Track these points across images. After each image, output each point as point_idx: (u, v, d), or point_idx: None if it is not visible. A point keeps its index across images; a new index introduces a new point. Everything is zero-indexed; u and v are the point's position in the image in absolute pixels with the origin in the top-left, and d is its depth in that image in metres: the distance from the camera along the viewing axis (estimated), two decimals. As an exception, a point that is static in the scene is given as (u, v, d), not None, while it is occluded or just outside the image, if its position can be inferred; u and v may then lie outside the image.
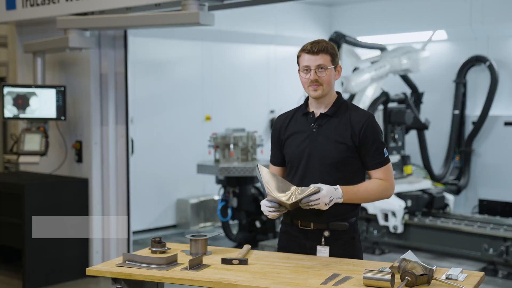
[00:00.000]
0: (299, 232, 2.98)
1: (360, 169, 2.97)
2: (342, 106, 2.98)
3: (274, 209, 2.81)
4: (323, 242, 2.92)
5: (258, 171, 2.87)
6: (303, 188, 2.81)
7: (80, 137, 6.21)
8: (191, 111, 8.61)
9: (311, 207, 2.77)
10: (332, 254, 2.91)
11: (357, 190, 2.88)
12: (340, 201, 2.83)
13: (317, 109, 2.98)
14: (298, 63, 2.97)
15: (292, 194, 2.81)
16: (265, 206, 2.84)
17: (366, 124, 2.90)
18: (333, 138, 2.91)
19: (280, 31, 9.25)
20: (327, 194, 2.77)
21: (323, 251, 2.92)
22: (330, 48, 2.92)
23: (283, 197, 2.80)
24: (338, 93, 3.03)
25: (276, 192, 2.82)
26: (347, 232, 2.94)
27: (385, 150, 2.94)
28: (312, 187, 2.78)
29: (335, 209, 2.87)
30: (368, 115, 2.95)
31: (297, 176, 2.96)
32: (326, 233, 2.92)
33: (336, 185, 2.85)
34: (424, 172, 8.02)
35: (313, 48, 2.89)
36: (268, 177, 2.87)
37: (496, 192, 8.19)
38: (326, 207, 2.79)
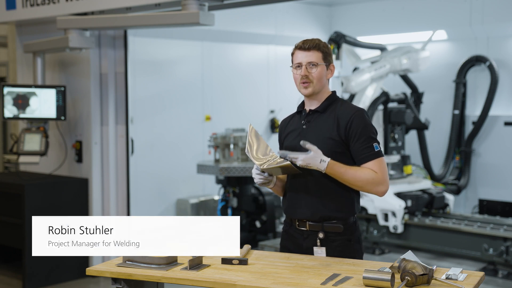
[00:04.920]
0: (297, 232, 2.99)
1: (350, 165, 2.95)
2: (334, 102, 2.98)
3: (260, 175, 2.90)
4: (318, 243, 2.93)
5: (248, 130, 2.96)
6: (279, 159, 2.84)
7: (80, 137, 6.21)
8: (191, 111, 8.61)
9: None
10: (328, 255, 2.91)
11: (345, 171, 2.83)
12: (322, 169, 2.80)
13: (310, 107, 3.01)
14: (292, 61, 2.99)
15: (268, 161, 2.87)
16: (254, 169, 2.93)
17: (352, 118, 2.88)
18: (321, 133, 2.92)
19: (280, 31, 9.25)
20: (304, 160, 2.78)
21: (319, 252, 2.92)
22: (322, 46, 2.94)
23: (258, 161, 2.89)
24: (333, 91, 3.04)
25: (255, 153, 2.90)
26: (343, 234, 2.92)
27: (375, 144, 2.88)
28: (285, 162, 2.80)
29: (329, 205, 2.89)
30: (356, 109, 2.92)
31: (291, 174, 2.98)
32: (321, 235, 2.92)
33: (330, 182, 2.88)
34: (424, 172, 8.02)
35: (304, 44, 2.93)
36: (253, 138, 2.95)
37: (496, 192, 8.19)
38: (301, 163, 2.79)
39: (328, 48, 2.96)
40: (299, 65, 2.93)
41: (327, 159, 2.80)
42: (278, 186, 3.04)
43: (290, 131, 3.04)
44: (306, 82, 2.92)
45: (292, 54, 2.99)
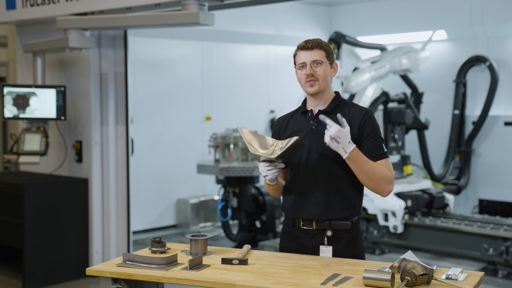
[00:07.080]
0: (301, 232, 2.97)
1: None
2: (341, 103, 2.99)
3: (272, 167, 2.82)
4: (325, 242, 2.92)
5: (240, 133, 2.90)
6: (285, 140, 2.81)
7: (80, 137, 6.21)
8: (191, 111, 8.62)
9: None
10: (335, 254, 2.90)
11: (367, 161, 2.82)
12: (345, 155, 2.76)
13: (316, 107, 2.99)
14: (294, 62, 2.99)
15: (275, 147, 2.82)
16: (263, 167, 2.84)
17: (364, 118, 2.90)
18: None
19: (280, 31, 9.25)
20: (338, 130, 2.71)
21: (326, 251, 2.91)
22: (324, 44, 2.95)
23: (267, 153, 2.81)
24: (336, 92, 3.04)
25: (260, 149, 2.83)
26: (350, 232, 2.93)
27: (383, 146, 2.93)
28: (295, 138, 2.76)
29: (336, 203, 2.89)
30: (366, 110, 2.95)
31: (298, 174, 2.94)
32: (329, 233, 2.91)
33: (338, 181, 2.88)
34: (424, 172, 8.02)
35: (307, 44, 2.93)
36: (250, 137, 2.88)
37: (496, 192, 8.19)
38: (327, 141, 2.74)
39: (329, 47, 2.98)
40: (303, 65, 2.93)
41: (353, 144, 2.78)
42: (277, 186, 3.04)
43: (295, 132, 2.99)
44: (312, 80, 2.91)
45: (295, 55, 2.98)
